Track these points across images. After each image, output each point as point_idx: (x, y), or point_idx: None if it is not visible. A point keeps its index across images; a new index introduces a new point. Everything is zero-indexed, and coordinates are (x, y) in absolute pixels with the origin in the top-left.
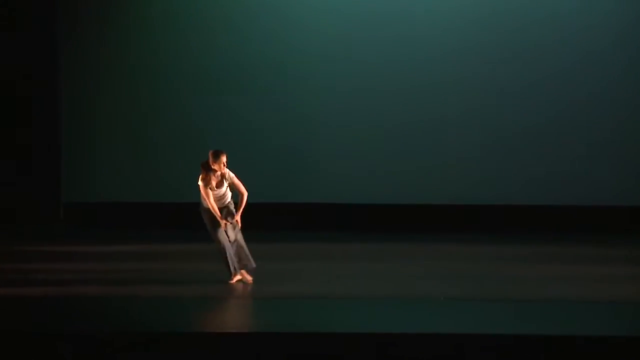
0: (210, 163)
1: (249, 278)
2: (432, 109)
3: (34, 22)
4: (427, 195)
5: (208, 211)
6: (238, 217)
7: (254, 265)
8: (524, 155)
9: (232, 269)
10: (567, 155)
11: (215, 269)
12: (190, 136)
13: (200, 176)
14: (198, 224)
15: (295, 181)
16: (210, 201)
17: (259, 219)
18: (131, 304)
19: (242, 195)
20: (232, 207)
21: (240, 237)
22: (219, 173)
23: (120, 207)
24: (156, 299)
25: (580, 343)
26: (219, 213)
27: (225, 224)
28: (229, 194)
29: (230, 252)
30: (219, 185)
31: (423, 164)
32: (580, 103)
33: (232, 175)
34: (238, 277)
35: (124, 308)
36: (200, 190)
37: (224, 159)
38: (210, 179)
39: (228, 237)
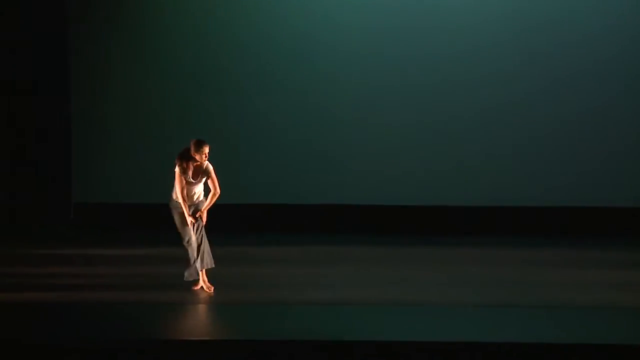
0: (192, 152)
1: (210, 287)
2: (460, 107)
3: (43, 23)
4: (453, 196)
5: (178, 206)
6: (204, 213)
7: (213, 265)
8: (553, 156)
9: (198, 270)
10: (597, 156)
11: (231, 274)
12: (208, 136)
13: (177, 164)
14: (216, 226)
15: (317, 182)
16: (182, 193)
17: (279, 221)
18: (144, 310)
19: (215, 193)
20: (201, 207)
21: (203, 235)
22: (198, 164)
23: (132, 208)
24: (169, 304)
25: (614, 351)
26: (187, 209)
27: (192, 222)
28: (202, 192)
29: (199, 252)
30: (195, 177)
31: (450, 164)
32: (612, 101)
33: (211, 169)
34: (201, 283)
35: (135, 314)
36: (174, 180)
37: (206, 149)
38: (187, 169)
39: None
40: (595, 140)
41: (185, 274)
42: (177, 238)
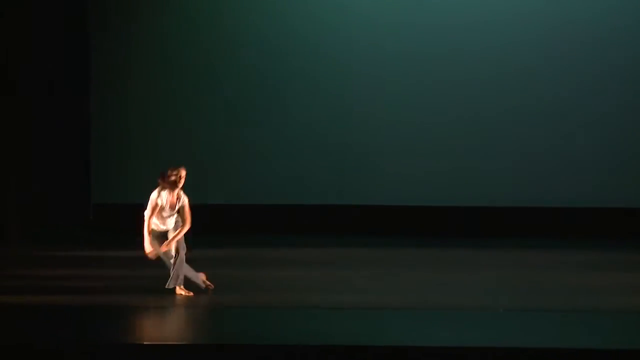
0: (169, 176)
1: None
2: (498, 105)
3: (63, 23)
4: (489, 197)
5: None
6: (171, 245)
7: (174, 286)
8: (591, 156)
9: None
10: (634, 157)
11: (256, 277)
12: (233, 136)
13: (157, 188)
14: (237, 227)
15: (351, 182)
16: (150, 217)
17: (314, 221)
18: (166, 315)
19: (185, 225)
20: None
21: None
22: (175, 192)
23: None
24: (193, 308)
25: None
26: (149, 237)
27: (151, 252)
28: (174, 222)
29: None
30: (172, 206)
31: (486, 163)
32: None
33: (185, 201)
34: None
35: (156, 319)
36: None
37: (183, 173)
38: (162, 194)
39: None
40: (630, 140)
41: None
42: (197, 240)
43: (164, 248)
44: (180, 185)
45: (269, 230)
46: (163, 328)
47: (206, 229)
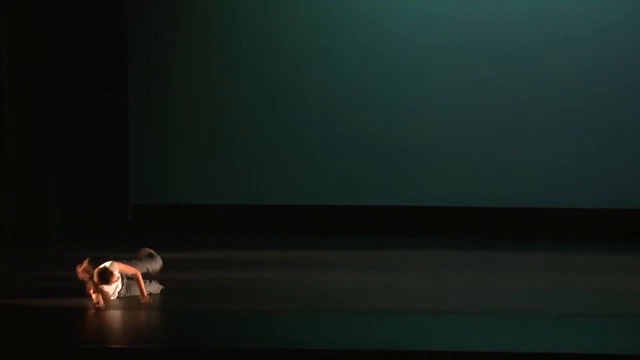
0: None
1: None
2: (550, 104)
3: (100, 22)
4: (540, 197)
5: None
6: (145, 297)
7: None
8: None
9: None
10: None
11: (297, 279)
12: (276, 136)
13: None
14: (278, 228)
15: (402, 182)
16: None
17: (362, 223)
18: (209, 318)
19: (137, 276)
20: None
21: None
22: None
23: (193, 210)
24: (237, 312)
25: None
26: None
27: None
28: (118, 287)
29: None
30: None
31: (538, 163)
32: None
33: (116, 273)
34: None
35: (201, 322)
36: None
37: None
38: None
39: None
40: None
41: None
42: (237, 241)
43: (146, 299)
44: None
45: (316, 231)
46: (207, 331)
47: (250, 230)
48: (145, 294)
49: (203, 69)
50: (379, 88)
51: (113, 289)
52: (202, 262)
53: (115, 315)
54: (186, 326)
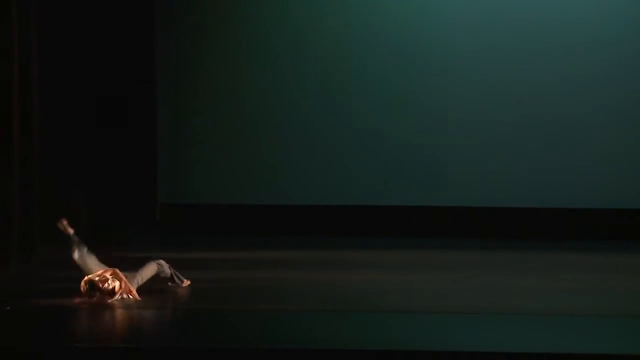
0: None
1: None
2: (578, 103)
3: (129, 16)
4: (571, 197)
5: None
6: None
7: None
8: None
9: None
10: None
11: (325, 279)
12: (303, 135)
13: None
14: (309, 228)
15: (423, 182)
16: None
17: (385, 223)
18: (241, 319)
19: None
20: None
21: None
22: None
23: (222, 210)
24: (269, 312)
25: None
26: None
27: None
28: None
29: None
30: None
31: (567, 163)
32: None
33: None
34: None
35: (227, 322)
36: None
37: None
38: None
39: None
40: None
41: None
42: (266, 242)
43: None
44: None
45: (341, 231)
46: (232, 330)
47: (280, 230)
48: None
49: (231, 69)
50: (402, 88)
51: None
52: (229, 261)
53: (140, 314)
54: (211, 326)
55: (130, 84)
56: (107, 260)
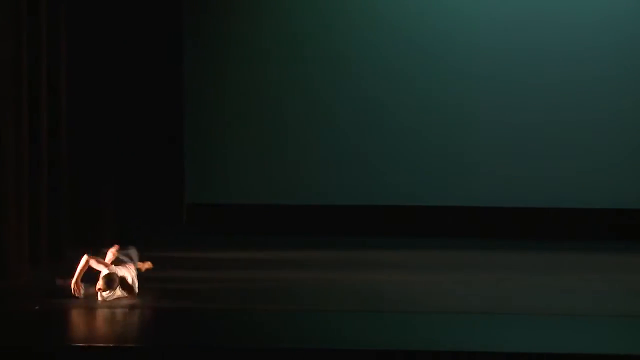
0: None
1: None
2: (608, 104)
3: (157, 14)
4: (599, 198)
5: None
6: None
7: None
8: None
9: None
10: None
11: (356, 279)
12: (330, 135)
13: None
14: (336, 229)
15: (453, 182)
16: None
17: (415, 223)
18: (270, 319)
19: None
20: None
21: None
22: None
23: (249, 209)
24: (299, 312)
25: None
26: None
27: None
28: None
29: None
30: None
31: (596, 163)
32: None
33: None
34: None
35: (263, 323)
36: None
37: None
38: None
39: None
40: None
41: None
42: (294, 242)
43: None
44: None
45: (367, 232)
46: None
47: (308, 230)
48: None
49: (257, 69)
50: (425, 85)
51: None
52: (256, 261)
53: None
54: (241, 326)
55: (157, 84)
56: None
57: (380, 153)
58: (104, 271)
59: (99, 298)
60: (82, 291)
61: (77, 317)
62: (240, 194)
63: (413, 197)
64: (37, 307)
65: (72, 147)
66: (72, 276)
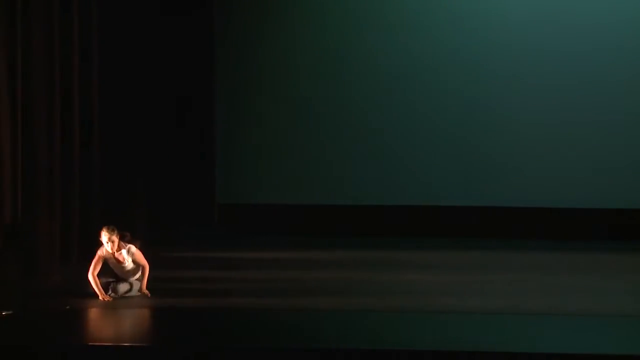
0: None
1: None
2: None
3: (188, 19)
4: (623, 198)
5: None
6: (145, 291)
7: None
8: None
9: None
10: None
11: (384, 279)
12: (362, 134)
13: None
14: (363, 229)
15: (479, 183)
16: (94, 273)
17: (442, 223)
18: (296, 317)
19: (145, 270)
20: (137, 287)
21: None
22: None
23: (280, 210)
24: (325, 311)
25: None
26: (99, 288)
27: (105, 299)
28: (133, 268)
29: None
30: (121, 260)
31: (619, 163)
32: None
33: (133, 251)
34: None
35: (289, 321)
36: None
37: (105, 237)
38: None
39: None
40: None
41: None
42: (324, 241)
43: (144, 291)
44: (112, 248)
45: (393, 232)
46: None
47: (332, 229)
48: (145, 286)
49: (289, 69)
50: (450, 86)
51: (131, 266)
52: (287, 261)
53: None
54: (274, 326)
55: (189, 86)
56: (165, 260)
57: (412, 154)
58: (122, 252)
59: (119, 289)
60: (112, 293)
61: (107, 317)
62: (270, 194)
63: (438, 197)
64: (67, 307)
65: (103, 148)
66: (97, 291)
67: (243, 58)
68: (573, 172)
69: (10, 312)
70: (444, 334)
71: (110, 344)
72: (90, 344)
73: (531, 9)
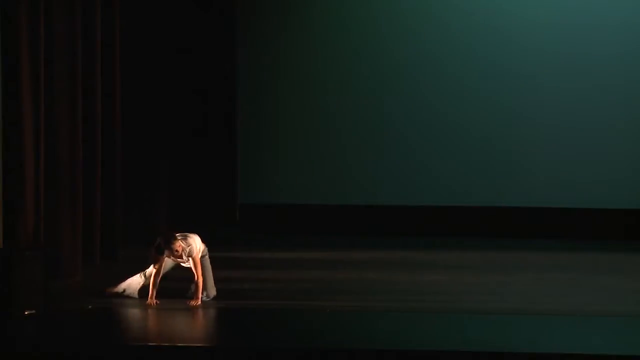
0: (163, 247)
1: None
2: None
3: (211, 20)
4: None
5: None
6: (196, 302)
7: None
8: None
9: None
10: None
11: (404, 279)
12: (381, 134)
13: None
14: (381, 229)
15: (495, 182)
16: (152, 280)
17: (459, 222)
18: (317, 317)
19: (198, 283)
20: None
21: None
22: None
23: (301, 210)
24: (345, 312)
25: None
26: (153, 294)
27: (151, 303)
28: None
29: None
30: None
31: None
32: None
33: (194, 256)
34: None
35: (310, 321)
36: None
37: (175, 246)
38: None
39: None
40: None
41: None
42: (348, 241)
43: (194, 303)
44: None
45: (412, 231)
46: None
47: (353, 230)
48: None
49: (311, 69)
50: (470, 84)
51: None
52: (309, 261)
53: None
54: (297, 326)
55: (210, 86)
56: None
57: (434, 153)
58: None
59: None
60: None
61: (132, 316)
62: (292, 194)
63: (458, 197)
64: (90, 307)
65: (126, 149)
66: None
67: (265, 58)
68: (595, 172)
69: (33, 311)
70: (462, 334)
71: (135, 343)
72: (117, 343)
73: (547, 10)
